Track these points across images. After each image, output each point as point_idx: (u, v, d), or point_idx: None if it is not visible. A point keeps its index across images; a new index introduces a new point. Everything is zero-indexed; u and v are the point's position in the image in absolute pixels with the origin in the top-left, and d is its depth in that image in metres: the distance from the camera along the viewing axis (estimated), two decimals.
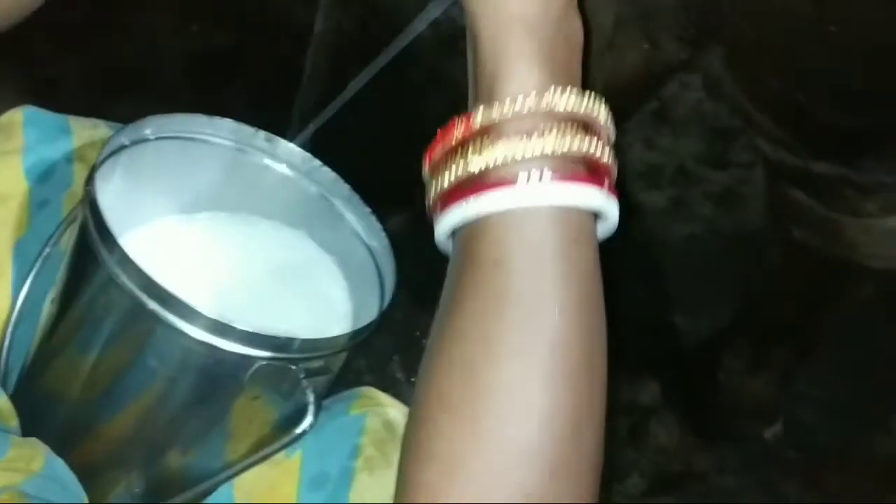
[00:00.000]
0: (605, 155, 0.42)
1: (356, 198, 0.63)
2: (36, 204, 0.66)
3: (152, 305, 0.49)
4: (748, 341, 1.07)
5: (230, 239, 0.63)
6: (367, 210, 0.63)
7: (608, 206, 0.42)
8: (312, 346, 0.52)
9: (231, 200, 0.64)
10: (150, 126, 0.57)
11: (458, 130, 0.42)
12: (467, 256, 0.42)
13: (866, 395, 1.10)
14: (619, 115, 0.93)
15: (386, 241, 0.61)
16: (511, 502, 0.38)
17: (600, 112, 0.43)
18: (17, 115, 0.71)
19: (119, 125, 0.70)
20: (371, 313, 0.58)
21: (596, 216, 0.43)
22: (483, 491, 0.38)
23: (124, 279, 0.49)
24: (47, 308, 0.57)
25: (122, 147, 0.56)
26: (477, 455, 0.39)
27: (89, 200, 0.51)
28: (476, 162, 0.41)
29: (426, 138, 0.44)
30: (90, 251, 0.51)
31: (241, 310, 0.53)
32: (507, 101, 0.41)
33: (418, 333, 0.91)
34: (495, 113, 0.41)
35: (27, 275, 0.61)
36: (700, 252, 1.28)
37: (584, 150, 0.41)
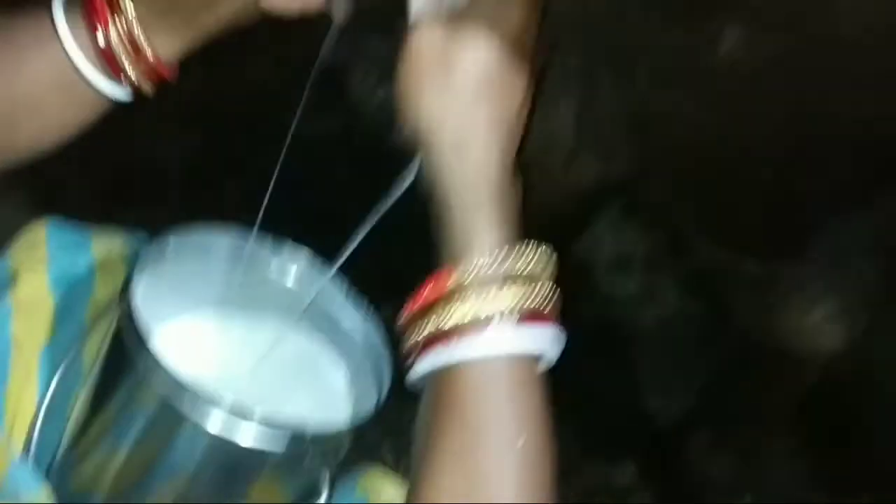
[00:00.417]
0: (552, 303, 0.52)
1: (354, 296, 0.70)
2: (60, 313, 0.71)
3: (180, 405, 0.55)
4: (714, 421, 1.13)
5: (242, 337, 0.70)
6: (365, 307, 0.69)
7: (554, 345, 0.52)
8: (323, 435, 0.59)
9: (242, 302, 0.70)
10: (171, 239, 0.64)
11: (431, 291, 0.51)
12: (442, 399, 0.51)
13: (828, 470, 1.16)
14: (583, 218, 1.01)
15: (382, 336, 0.68)
16: None
17: (548, 262, 0.52)
18: (41, 228, 0.76)
19: (135, 232, 0.77)
20: (371, 400, 0.65)
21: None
22: None
23: (155, 381, 0.55)
24: (79, 408, 0.62)
25: (148, 260, 0.63)
26: None
27: (126, 311, 0.58)
28: (446, 318, 0.50)
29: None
30: (124, 355, 0.57)
31: (253, 401, 0.59)
32: (474, 263, 0.50)
33: (407, 420, 0.97)
34: (463, 275, 0.50)
35: (53, 378, 0.67)
36: (670, 336, 1.35)
37: (538, 301, 0.51)
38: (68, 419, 0.64)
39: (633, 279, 1.35)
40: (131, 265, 0.70)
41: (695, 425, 1.16)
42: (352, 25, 0.60)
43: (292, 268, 0.71)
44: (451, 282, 0.50)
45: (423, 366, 0.51)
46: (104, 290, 0.72)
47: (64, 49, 0.59)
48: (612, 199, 0.86)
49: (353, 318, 0.70)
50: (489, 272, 0.50)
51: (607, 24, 0.65)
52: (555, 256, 0.53)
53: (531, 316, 0.50)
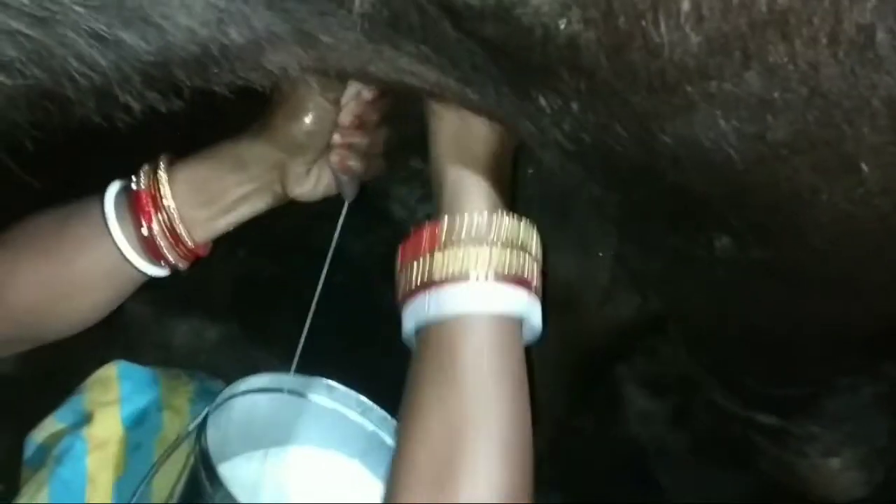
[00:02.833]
0: (533, 269, 0.55)
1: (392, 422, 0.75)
2: (131, 448, 0.77)
3: None
4: None
5: (300, 470, 0.75)
6: None
7: (533, 311, 0.55)
8: None
9: (301, 437, 0.76)
10: (238, 387, 0.71)
11: (425, 235, 0.55)
12: (428, 352, 0.54)
13: None
14: (620, 351, 1.05)
15: None
16: None
17: (532, 235, 0.56)
18: (112, 369, 0.83)
19: (196, 374, 0.84)
20: None
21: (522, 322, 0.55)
22: None
23: None
24: None
25: (218, 405, 0.69)
26: None
27: (200, 451, 0.64)
28: (436, 263, 0.54)
29: None
30: (198, 491, 0.63)
31: None
32: (464, 217, 0.54)
33: None
34: (455, 226, 0.54)
35: None
36: (702, 459, 1.37)
37: (520, 261, 0.54)
38: None
39: (669, 398, 1.39)
40: (197, 405, 0.76)
41: None
42: (395, 150, 0.68)
43: (345, 405, 0.77)
44: (444, 227, 0.54)
45: (411, 315, 0.55)
46: (172, 428, 0.78)
47: (113, 240, 0.67)
48: (647, 336, 0.91)
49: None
50: (473, 232, 0.53)
51: None
52: (536, 234, 0.55)
53: (508, 278, 0.53)
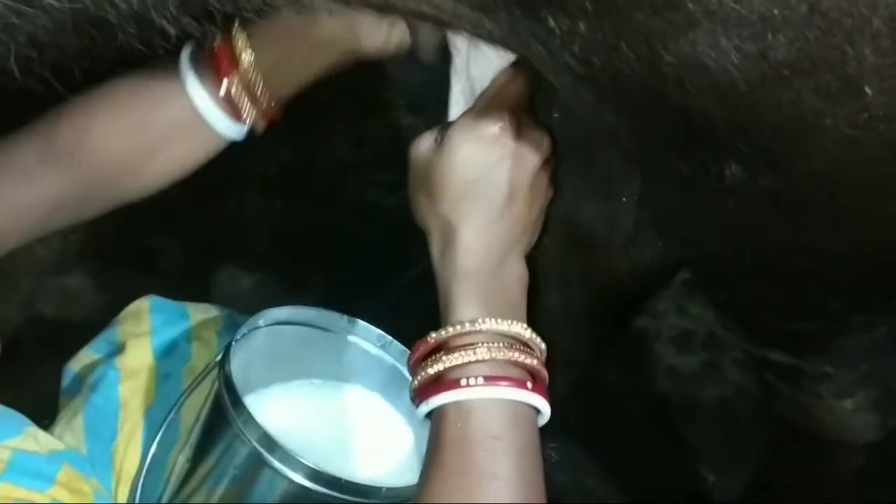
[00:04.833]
0: (526, 363, 0.58)
1: None
2: (161, 377, 0.80)
3: (269, 457, 0.63)
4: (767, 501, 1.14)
5: (321, 401, 0.77)
6: None
7: (530, 399, 0.57)
8: (395, 494, 0.65)
9: (322, 370, 0.78)
10: (263, 318, 0.73)
11: (423, 346, 0.59)
12: (434, 437, 0.57)
13: None
14: (644, 293, 1.05)
15: None
16: None
17: (524, 331, 0.59)
18: (144, 303, 0.86)
19: (225, 308, 0.86)
20: None
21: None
22: None
23: (249, 435, 0.64)
24: (179, 462, 0.71)
25: (243, 334, 0.71)
26: None
27: (224, 377, 0.66)
28: (433, 368, 0.58)
29: None
30: (222, 415, 0.65)
31: (329, 459, 0.67)
32: (452, 328, 0.58)
33: None
34: (444, 335, 0.58)
35: (154, 436, 0.75)
36: (729, 414, 1.38)
37: (508, 363, 0.57)
38: (169, 472, 0.72)
39: (699, 354, 1.41)
40: (224, 338, 0.79)
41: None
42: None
43: (366, 340, 0.79)
44: (434, 338, 0.59)
45: (420, 411, 0.59)
46: (200, 359, 0.81)
47: (190, 98, 0.69)
48: (669, 278, 0.91)
49: None
50: (460, 338, 0.58)
51: None
52: (532, 335, 0.59)
53: (500, 381, 0.57)
